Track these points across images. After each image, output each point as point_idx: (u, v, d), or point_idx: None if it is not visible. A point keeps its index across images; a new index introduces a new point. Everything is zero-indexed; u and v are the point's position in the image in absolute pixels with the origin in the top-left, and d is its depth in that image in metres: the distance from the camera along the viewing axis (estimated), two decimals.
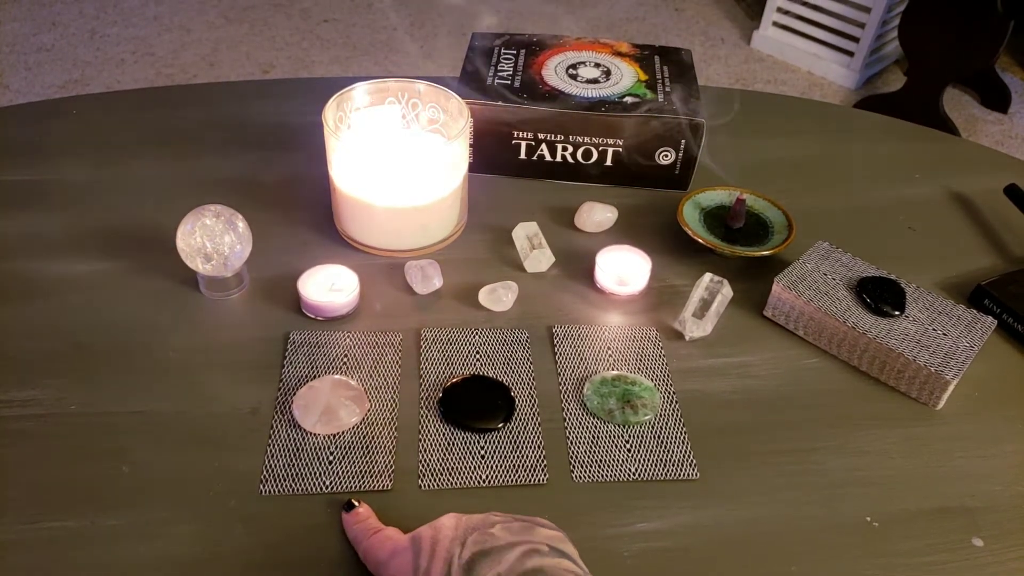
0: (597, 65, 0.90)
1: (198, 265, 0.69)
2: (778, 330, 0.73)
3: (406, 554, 0.48)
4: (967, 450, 0.63)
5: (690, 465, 0.61)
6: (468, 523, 0.47)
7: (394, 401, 0.64)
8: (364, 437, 0.61)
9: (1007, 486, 0.61)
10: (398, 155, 0.74)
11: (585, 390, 0.65)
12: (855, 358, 0.69)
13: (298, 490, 0.57)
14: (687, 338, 0.71)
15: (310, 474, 0.58)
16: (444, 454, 0.60)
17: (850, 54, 2.42)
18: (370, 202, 0.74)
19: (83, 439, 0.60)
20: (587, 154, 0.85)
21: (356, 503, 0.55)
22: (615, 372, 0.67)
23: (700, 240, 0.77)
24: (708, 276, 0.72)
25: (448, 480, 0.59)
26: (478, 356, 0.68)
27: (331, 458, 0.60)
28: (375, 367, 0.66)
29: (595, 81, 0.87)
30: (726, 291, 0.72)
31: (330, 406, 0.62)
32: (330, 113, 0.74)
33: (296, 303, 0.71)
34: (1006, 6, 2.00)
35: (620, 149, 0.85)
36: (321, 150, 0.76)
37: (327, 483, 0.58)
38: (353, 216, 0.77)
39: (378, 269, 0.76)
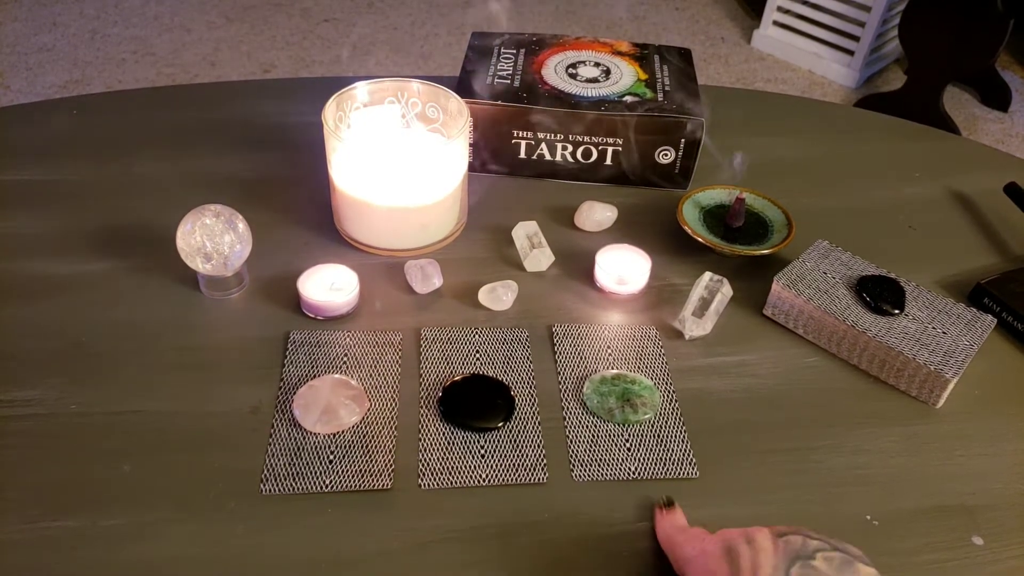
0: (597, 64, 0.90)
1: (198, 265, 0.69)
2: (778, 329, 0.73)
3: (719, 564, 0.48)
4: (967, 448, 0.63)
5: (690, 464, 0.61)
6: (787, 549, 0.47)
7: (394, 400, 0.64)
8: (364, 436, 0.61)
9: (1007, 484, 0.61)
10: (398, 155, 0.74)
11: (585, 389, 0.65)
12: (855, 357, 0.69)
13: (298, 489, 0.57)
14: (687, 337, 0.71)
15: (310, 473, 0.58)
16: (444, 453, 0.60)
17: (850, 53, 2.42)
18: (370, 202, 0.74)
19: (83, 439, 0.60)
20: (587, 153, 0.85)
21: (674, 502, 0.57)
22: (615, 371, 0.67)
23: (700, 239, 0.77)
24: (708, 275, 0.72)
25: (448, 479, 0.59)
26: (478, 355, 0.68)
27: (331, 457, 0.60)
28: (375, 366, 0.66)
29: (595, 80, 0.87)
30: (726, 290, 0.72)
31: (330, 405, 0.62)
32: (330, 113, 0.74)
33: (296, 303, 0.71)
34: (1006, 5, 2.00)
35: (620, 148, 0.85)
36: (321, 150, 0.76)
37: (327, 482, 0.58)
38: (353, 216, 0.77)
39: (378, 269, 0.76)
